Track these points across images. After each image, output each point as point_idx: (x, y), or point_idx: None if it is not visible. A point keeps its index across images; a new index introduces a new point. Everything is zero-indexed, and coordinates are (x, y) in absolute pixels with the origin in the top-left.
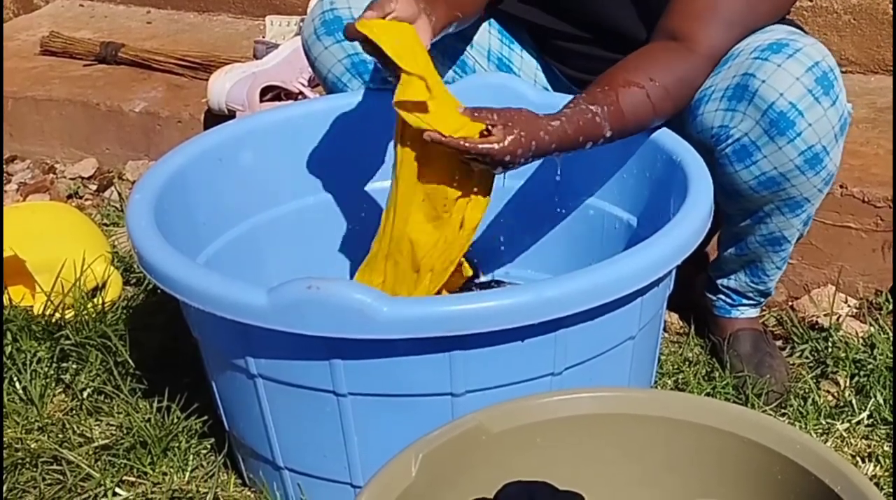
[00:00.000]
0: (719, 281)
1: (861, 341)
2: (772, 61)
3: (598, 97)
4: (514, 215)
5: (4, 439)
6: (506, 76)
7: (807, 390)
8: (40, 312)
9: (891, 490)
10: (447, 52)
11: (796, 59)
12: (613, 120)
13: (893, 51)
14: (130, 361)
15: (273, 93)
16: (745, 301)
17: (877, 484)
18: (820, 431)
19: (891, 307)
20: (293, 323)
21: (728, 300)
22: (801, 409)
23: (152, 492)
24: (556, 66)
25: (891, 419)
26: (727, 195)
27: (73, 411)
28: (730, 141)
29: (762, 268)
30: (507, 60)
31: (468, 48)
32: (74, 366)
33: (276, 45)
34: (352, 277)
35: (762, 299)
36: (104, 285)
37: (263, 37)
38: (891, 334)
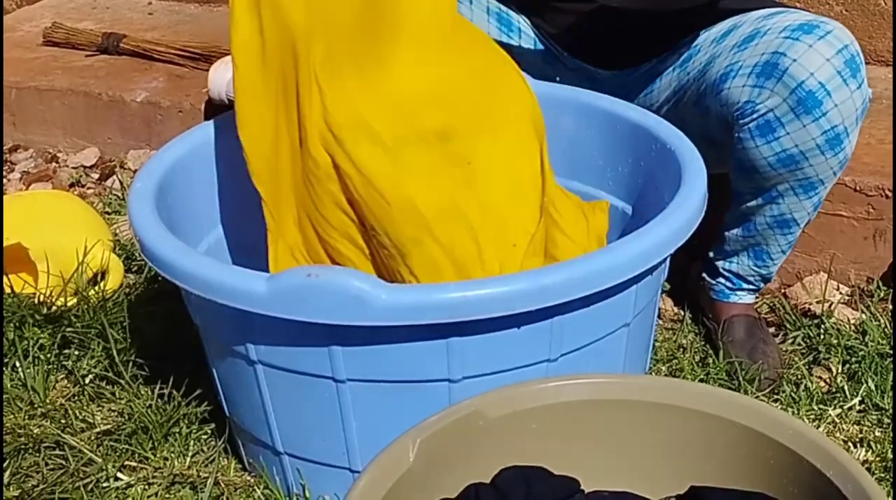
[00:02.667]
0: (720, 263)
1: (853, 327)
2: (803, 41)
3: None
4: None
5: (8, 424)
6: None
7: (799, 377)
8: (42, 299)
9: (882, 475)
10: None
11: (827, 41)
12: None
13: (894, 44)
14: (132, 348)
15: None
16: (744, 285)
17: (868, 469)
18: (812, 416)
19: (882, 295)
20: (293, 310)
21: (728, 284)
22: (793, 395)
23: (153, 477)
24: (547, 32)
25: (882, 405)
26: (743, 171)
27: (76, 398)
28: (755, 116)
29: (767, 251)
30: (505, 51)
31: None
32: (76, 353)
33: None
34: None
35: (762, 284)
36: (106, 273)
37: None
38: (882, 320)
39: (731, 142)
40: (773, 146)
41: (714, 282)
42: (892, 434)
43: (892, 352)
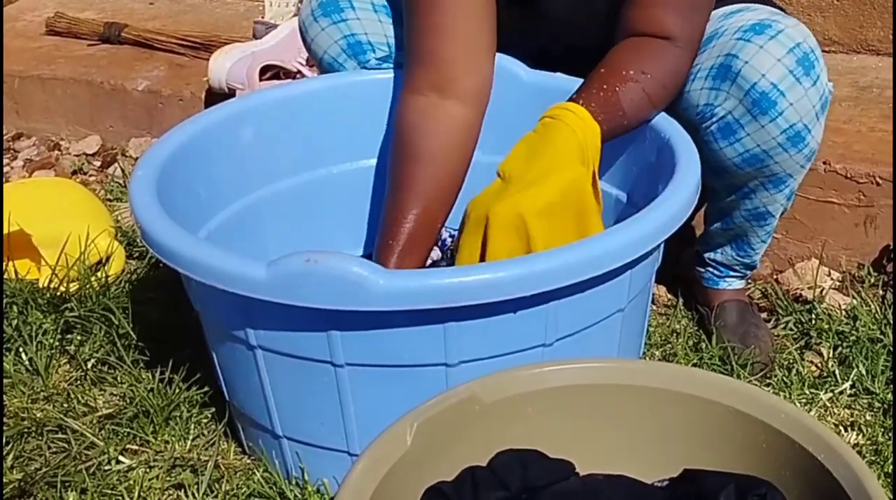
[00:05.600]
0: (706, 254)
1: (844, 313)
2: (754, 42)
3: (599, 99)
4: None
5: (11, 408)
6: (500, 56)
7: (791, 361)
8: (45, 285)
9: (872, 458)
10: None
11: (778, 41)
12: (616, 120)
13: (894, 34)
14: (133, 333)
15: (272, 72)
16: (731, 273)
17: (859, 452)
18: (804, 400)
19: (872, 280)
20: (292, 296)
21: (715, 272)
22: (785, 379)
23: (154, 460)
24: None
25: (873, 389)
26: (713, 171)
27: (78, 382)
28: (714, 119)
29: (748, 242)
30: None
31: None
32: (79, 337)
33: (274, 26)
34: (348, 250)
35: (748, 272)
36: (108, 259)
37: (263, 17)
38: (873, 306)
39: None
40: (736, 147)
41: (703, 270)
42: (882, 418)
43: (882, 337)
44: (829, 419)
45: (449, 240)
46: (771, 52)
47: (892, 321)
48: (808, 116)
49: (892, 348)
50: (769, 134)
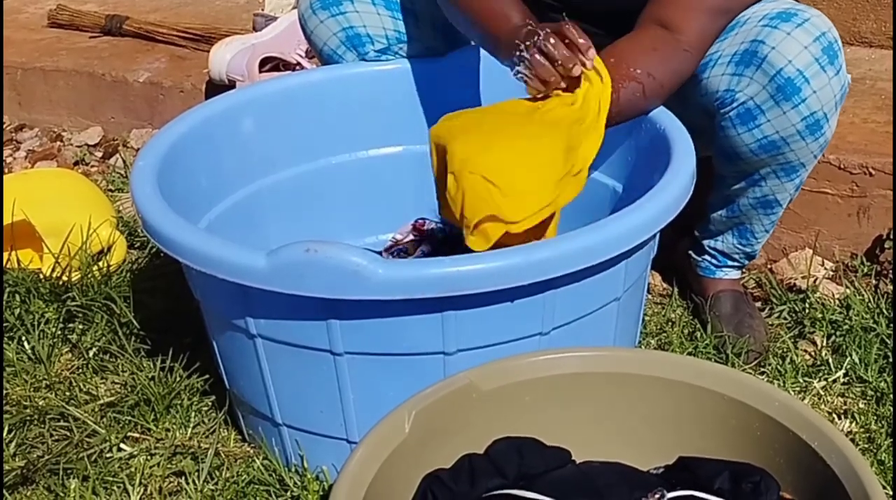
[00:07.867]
0: (706, 242)
1: (837, 302)
2: (781, 29)
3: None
4: None
5: (14, 397)
6: None
7: (785, 350)
8: (48, 274)
9: (865, 446)
10: (444, 24)
11: (805, 29)
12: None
13: (894, 29)
14: (134, 321)
15: (272, 64)
16: (730, 263)
17: (852, 440)
18: (798, 389)
19: (865, 270)
20: (291, 285)
21: (714, 261)
22: (779, 368)
23: (155, 447)
24: None
25: (866, 378)
26: (726, 158)
27: (80, 370)
28: (735, 104)
29: (751, 230)
30: None
31: None
32: (81, 326)
33: (274, 18)
34: (348, 240)
35: (747, 262)
36: (109, 249)
37: (262, 10)
38: (866, 295)
39: (711, 129)
40: (755, 133)
41: (700, 259)
42: (875, 406)
43: (875, 326)
44: (822, 407)
45: (440, 233)
46: (798, 39)
47: (885, 311)
48: (829, 105)
49: (885, 338)
50: (790, 121)
